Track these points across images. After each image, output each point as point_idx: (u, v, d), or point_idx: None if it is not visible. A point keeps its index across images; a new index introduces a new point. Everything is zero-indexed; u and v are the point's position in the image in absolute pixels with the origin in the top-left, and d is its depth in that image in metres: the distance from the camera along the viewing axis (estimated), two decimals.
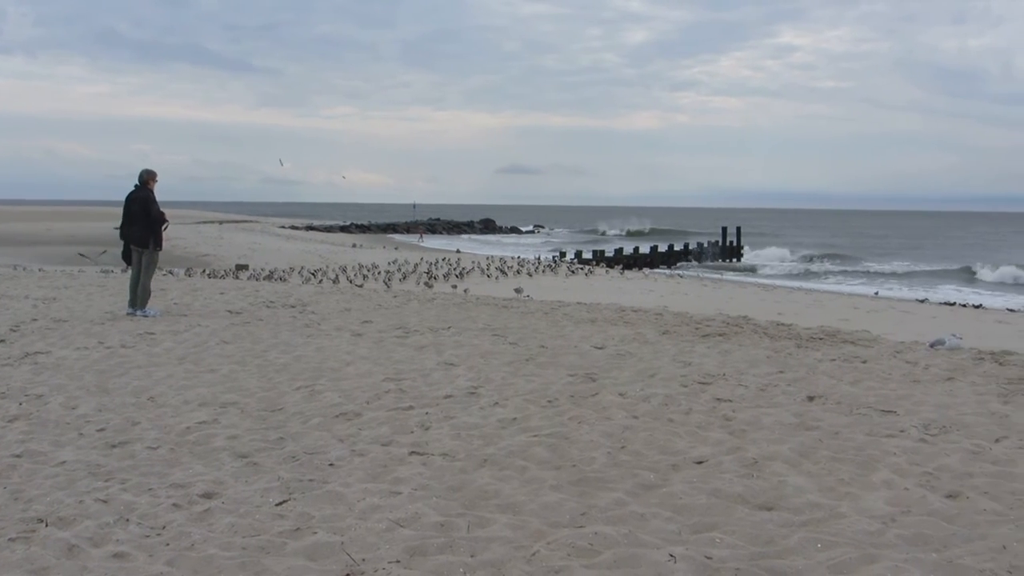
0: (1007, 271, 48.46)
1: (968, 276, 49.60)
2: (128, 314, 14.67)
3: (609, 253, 56.88)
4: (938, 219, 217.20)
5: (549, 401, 8.61)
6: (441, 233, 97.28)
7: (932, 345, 12.61)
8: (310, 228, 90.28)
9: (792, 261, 63.23)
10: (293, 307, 16.42)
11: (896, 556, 4.74)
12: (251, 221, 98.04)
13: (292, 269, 33.22)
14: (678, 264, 59.55)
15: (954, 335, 12.96)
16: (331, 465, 6.55)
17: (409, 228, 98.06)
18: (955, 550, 4.83)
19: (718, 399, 8.66)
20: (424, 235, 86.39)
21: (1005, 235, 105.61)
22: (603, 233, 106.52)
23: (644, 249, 61.56)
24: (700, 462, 6.54)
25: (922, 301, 29.50)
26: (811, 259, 64.46)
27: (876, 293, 34.64)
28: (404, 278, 30.01)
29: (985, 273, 49.07)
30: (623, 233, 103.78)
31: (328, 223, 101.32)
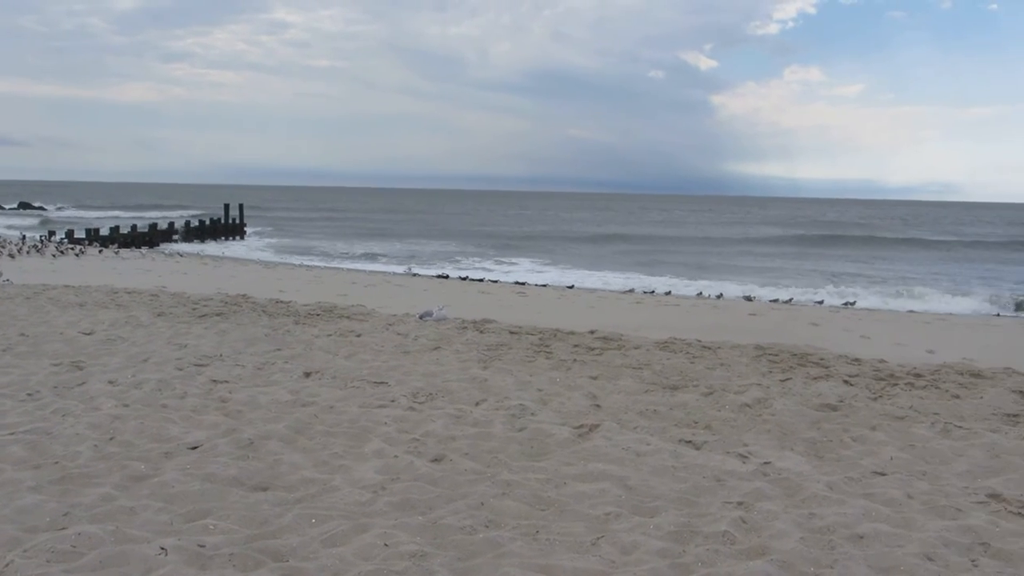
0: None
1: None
2: None
3: (104, 232, 52.82)
4: (433, 197, 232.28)
5: (29, 394, 7.86)
6: None
7: (421, 317, 13.43)
8: None
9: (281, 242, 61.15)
10: None
11: (385, 523, 4.95)
12: None
13: None
14: (176, 240, 56.95)
15: (440, 307, 13.92)
16: None
17: None
18: (439, 511, 5.17)
19: (214, 381, 8.46)
20: None
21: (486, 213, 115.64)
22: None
23: (143, 227, 58.14)
24: (194, 447, 6.33)
25: (414, 275, 31.27)
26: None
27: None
28: None
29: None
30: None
31: None
